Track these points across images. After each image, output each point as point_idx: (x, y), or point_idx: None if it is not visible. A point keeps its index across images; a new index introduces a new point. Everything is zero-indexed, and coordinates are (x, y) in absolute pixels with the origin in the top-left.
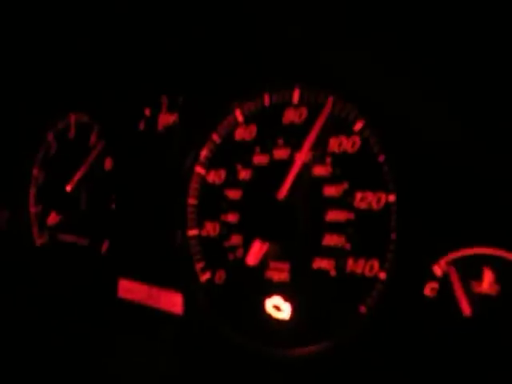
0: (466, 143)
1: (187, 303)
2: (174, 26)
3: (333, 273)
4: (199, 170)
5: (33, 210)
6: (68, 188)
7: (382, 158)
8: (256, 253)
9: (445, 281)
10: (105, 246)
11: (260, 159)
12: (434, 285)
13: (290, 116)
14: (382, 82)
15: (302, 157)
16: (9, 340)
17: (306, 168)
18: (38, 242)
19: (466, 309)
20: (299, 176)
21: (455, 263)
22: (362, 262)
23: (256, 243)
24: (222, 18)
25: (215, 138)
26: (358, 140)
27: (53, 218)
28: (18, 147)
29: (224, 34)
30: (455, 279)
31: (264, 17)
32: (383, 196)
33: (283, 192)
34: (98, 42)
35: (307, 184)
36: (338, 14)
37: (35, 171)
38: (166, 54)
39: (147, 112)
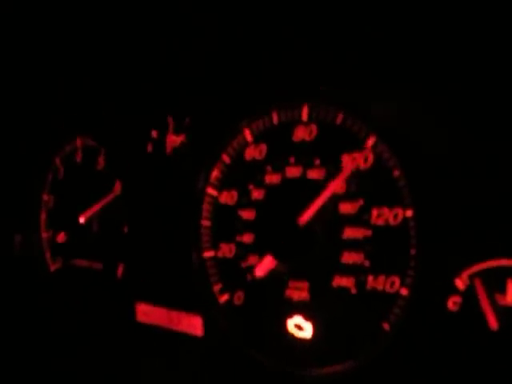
0: (482, 154)
1: (207, 325)
2: (178, 46)
3: (353, 290)
4: (211, 191)
5: (44, 234)
6: (81, 220)
7: (396, 173)
8: (265, 266)
9: (468, 294)
10: (120, 270)
11: (272, 178)
12: (457, 299)
13: (300, 134)
14: (391, 96)
15: (333, 187)
16: (25, 369)
17: (320, 186)
18: (52, 267)
19: (493, 322)
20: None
21: (478, 276)
22: (382, 278)
23: (268, 257)
24: (227, 37)
25: (225, 158)
26: (370, 155)
27: (62, 238)
28: (27, 172)
29: (229, 52)
30: (481, 292)
31: (270, 35)
32: (400, 211)
33: (305, 218)
34: (103, 64)
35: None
36: (345, 31)
37: (45, 196)
38: (172, 75)
39: (154, 134)
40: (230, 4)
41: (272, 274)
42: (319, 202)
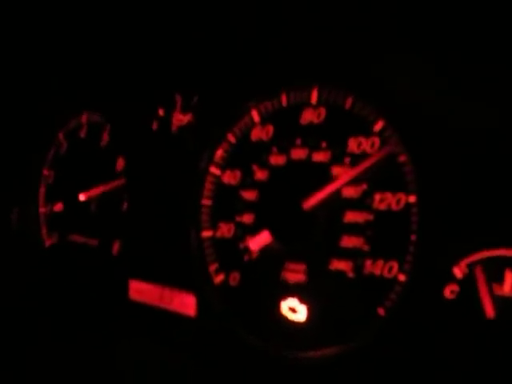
0: (490, 143)
1: (201, 305)
2: (188, 23)
3: (350, 274)
4: (214, 170)
5: (42, 210)
6: (81, 198)
7: (402, 159)
8: (261, 240)
9: (465, 283)
10: (116, 247)
11: (277, 159)
12: (454, 287)
13: (308, 116)
14: (403, 81)
15: (347, 177)
16: (18, 342)
17: (324, 169)
18: (48, 242)
19: (490, 311)
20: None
21: (477, 265)
22: (380, 263)
23: (264, 232)
24: (238, 16)
25: (231, 138)
26: (377, 140)
27: (59, 207)
28: (28, 146)
29: (240, 32)
30: (481, 280)
31: (281, 15)
32: (403, 197)
33: (311, 203)
34: (110, 40)
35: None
36: (355, 13)
37: (45, 171)
38: (180, 53)
39: (161, 112)
40: None
41: (269, 255)
42: (328, 190)
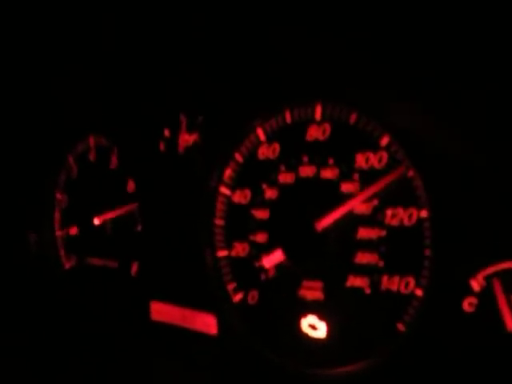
0: (498, 153)
1: (221, 324)
2: (192, 44)
3: (367, 290)
4: (224, 190)
5: (58, 233)
6: (96, 222)
7: (411, 173)
8: (274, 258)
9: (483, 295)
10: (134, 268)
11: (286, 178)
12: (473, 300)
13: (314, 133)
14: (406, 95)
15: (360, 199)
16: (39, 366)
17: (334, 185)
18: (67, 265)
19: (510, 323)
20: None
21: (497, 276)
22: (396, 279)
23: (277, 251)
24: (241, 35)
25: (238, 157)
26: (385, 155)
27: (74, 231)
28: (40, 170)
29: (242, 51)
30: (499, 292)
31: (284, 33)
32: (415, 212)
33: (324, 225)
34: (116, 62)
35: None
36: (359, 30)
37: (58, 195)
38: (184, 73)
39: (167, 133)
40: (245, 2)
41: (285, 273)
42: (341, 211)
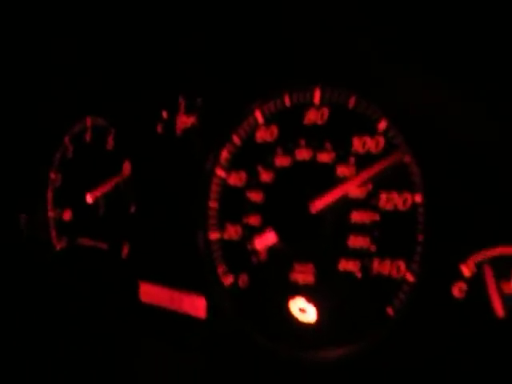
0: (496, 140)
1: (210, 307)
2: (190, 25)
3: (359, 274)
4: (220, 172)
5: (51, 214)
6: (89, 199)
7: (407, 159)
8: (266, 240)
9: (474, 281)
10: (125, 250)
11: (282, 161)
12: (463, 285)
13: (312, 117)
14: (406, 79)
15: (356, 182)
16: (29, 346)
17: (330, 169)
18: (57, 246)
19: (499, 309)
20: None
21: (485, 263)
22: (387, 263)
23: (270, 232)
24: (240, 17)
25: (235, 139)
26: (382, 140)
27: (68, 215)
28: (35, 150)
29: (242, 33)
30: (490, 278)
31: (282, 16)
32: (409, 197)
33: (318, 207)
34: (112, 43)
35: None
36: (357, 12)
37: (52, 175)
38: (183, 55)
39: (165, 114)
40: None
41: (277, 256)
42: (336, 194)
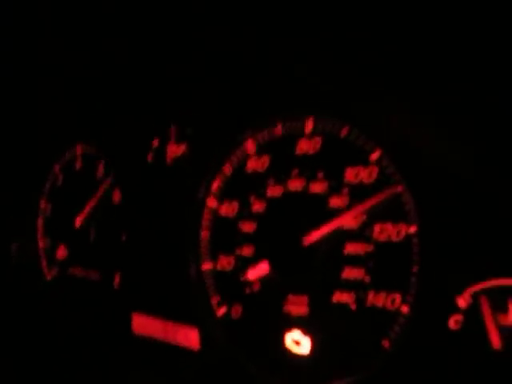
0: (489, 173)
1: (204, 338)
2: (182, 54)
3: (353, 306)
4: (211, 202)
5: (41, 243)
6: (77, 223)
7: (400, 189)
8: (259, 271)
9: (470, 313)
10: (117, 280)
11: (274, 191)
12: (459, 317)
13: (304, 146)
14: (399, 110)
15: (348, 217)
16: (18, 377)
17: (322, 200)
18: (48, 276)
19: (496, 341)
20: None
21: (481, 294)
22: (383, 295)
23: (263, 263)
24: (233, 46)
25: (226, 169)
26: (375, 170)
27: (62, 253)
28: (25, 178)
29: (234, 62)
30: (486, 310)
31: (276, 47)
32: (403, 227)
33: (311, 240)
34: (105, 71)
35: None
36: (351, 45)
37: (42, 203)
38: (174, 83)
39: (155, 143)
40: (236, 15)
41: (270, 287)
42: (329, 228)
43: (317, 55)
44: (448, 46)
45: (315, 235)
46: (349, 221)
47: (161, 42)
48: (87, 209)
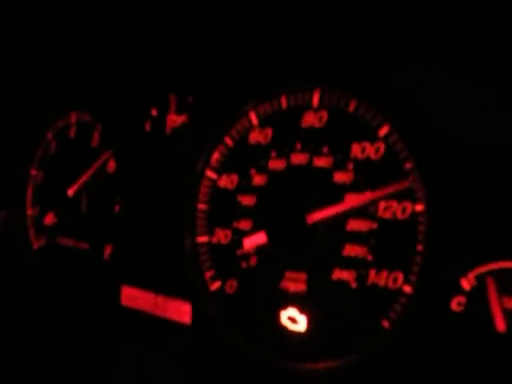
0: (500, 149)
1: (196, 313)
2: (185, 21)
3: (353, 284)
4: (210, 174)
5: (30, 211)
6: (70, 192)
7: (408, 165)
8: (255, 240)
9: (473, 295)
10: (107, 251)
11: (276, 164)
12: (462, 299)
13: (310, 120)
14: (410, 84)
15: (357, 201)
16: (6, 348)
17: (327, 174)
18: (36, 244)
19: (501, 324)
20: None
21: (486, 276)
22: (384, 273)
23: (261, 233)
24: (238, 15)
25: (228, 141)
26: (382, 146)
27: (50, 219)
28: (16, 146)
29: (240, 30)
30: (492, 291)
31: (283, 15)
32: (409, 205)
33: (315, 219)
34: (103, 37)
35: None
36: (360, 14)
37: (33, 171)
38: (176, 51)
39: (154, 112)
40: None
41: (268, 263)
42: (336, 210)
43: (327, 26)
44: (459, 14)
45: (319, 215)
46: (353, 196)
47: (163, 10)
48: (81, 179)
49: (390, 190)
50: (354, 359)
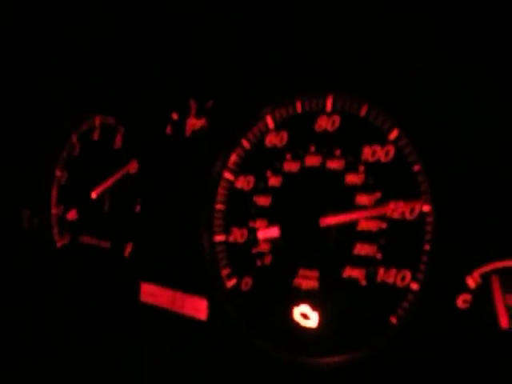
0: (506, 152)
1: (212, 310)
2: (205, 28)
3: (363, 282)
4: (228, 175)
5: (54, 210)
6: (93, 195)
7: (417, 168)
8: (269, 233)
9: (478, 293)
10: (128, 249)
11: (291, 166)
12: (467, 297)
13: (323, 124)
14: (419, 90)
15: (371, 213)
16: (27, 343)
17: (339, 176)
18: (59, 243)
19: (505, 321)
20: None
21: (492, 274)
22: (393, 271)
23: (275, 228)
24: (255, 22)
25: (245, 143)
26: (392, 149)
27: (72, 215)
28: (42, 147)
29: (258, 38)
30: (497, 289)
31: (297, 23)
32: (417, 206)
33: (328, 222)
34: (127, 43)
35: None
36: (371, 20)
37: (58, 172)
38: (196, 57)
39: (175, 116)
40: None
41: (281, 261)
42: (350, 217)
43: (340, 33)
44: (471, 20)
45: (333, 219)
46: (362, 196)
47: (184, 15)
48: (106, 183)
49: (402, 205)
50: (363, 354)
